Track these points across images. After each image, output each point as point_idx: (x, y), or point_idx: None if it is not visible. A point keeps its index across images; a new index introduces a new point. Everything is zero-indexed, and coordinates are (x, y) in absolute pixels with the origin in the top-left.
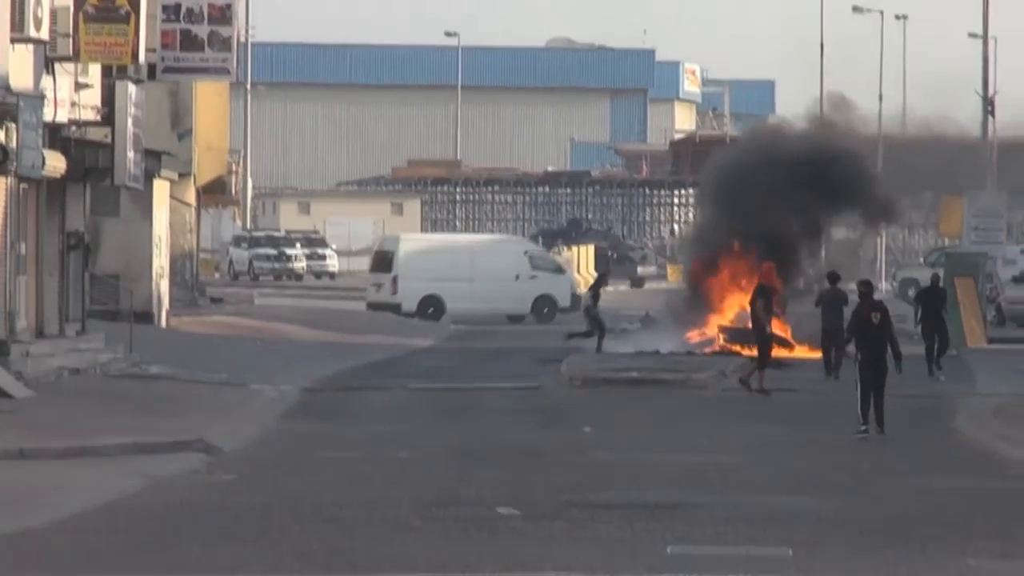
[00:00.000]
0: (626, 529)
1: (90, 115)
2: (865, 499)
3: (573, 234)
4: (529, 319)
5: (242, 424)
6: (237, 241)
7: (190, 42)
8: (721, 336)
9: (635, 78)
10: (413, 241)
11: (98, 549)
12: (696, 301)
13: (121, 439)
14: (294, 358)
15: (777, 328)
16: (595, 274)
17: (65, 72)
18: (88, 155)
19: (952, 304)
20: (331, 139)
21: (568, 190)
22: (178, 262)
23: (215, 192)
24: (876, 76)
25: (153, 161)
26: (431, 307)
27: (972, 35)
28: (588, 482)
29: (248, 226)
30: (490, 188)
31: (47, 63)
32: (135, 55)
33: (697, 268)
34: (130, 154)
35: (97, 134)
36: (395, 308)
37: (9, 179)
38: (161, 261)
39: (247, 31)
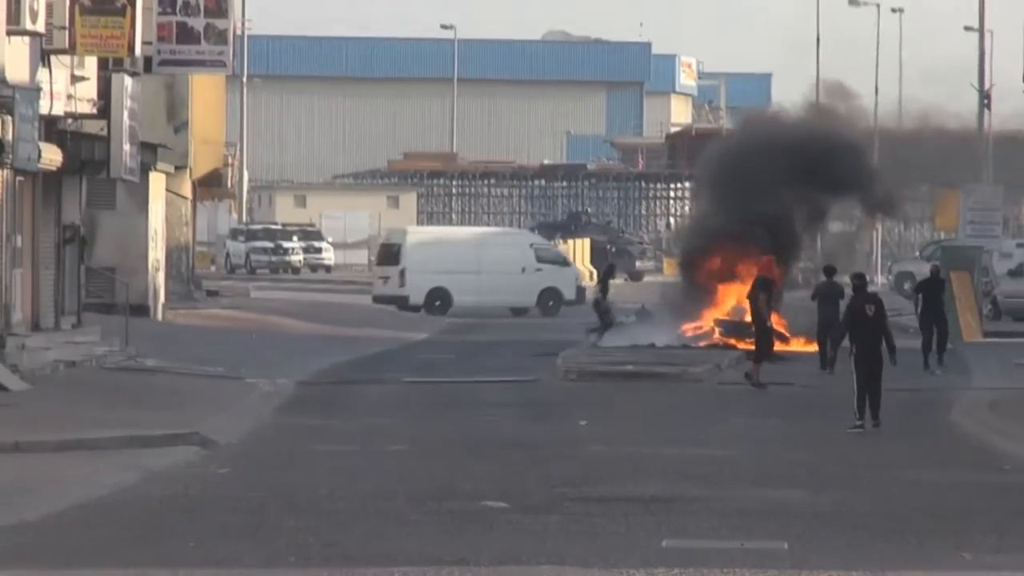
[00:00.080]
0: (621, 522)
1: (86, 108)
2: (861, 493)
3: (573, 227)
4: (534, 312)
5: (238, 417)
6: (234, 234)
7: (186, 35)
8: (717, 329)
9: (631, 71)
10: (420, 234)
11: (94, 542)
12: (691, 294)
13: (117, 432)
14: (290, 351)
15: (775, 322)
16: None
17: (61, 65)
18: (84, 148)
19: (948, 298)
20: (327, 132)
21: (564, 183)
22: (174, 255)
23: (211, 185)
24: (872, 70)
25: (149, 154)
26: (438, 300)
27: (968, 28)
28: (583, 475)
29: (244, 219)
30: (486, 181)
31: (43, 56)
32: (131, 48)
33: (692, 260)
34: (126, 147)
35: (93, 127)
36: (403, 301)
37: (5, 172)
38: (157, 254)
39: (243, 24)
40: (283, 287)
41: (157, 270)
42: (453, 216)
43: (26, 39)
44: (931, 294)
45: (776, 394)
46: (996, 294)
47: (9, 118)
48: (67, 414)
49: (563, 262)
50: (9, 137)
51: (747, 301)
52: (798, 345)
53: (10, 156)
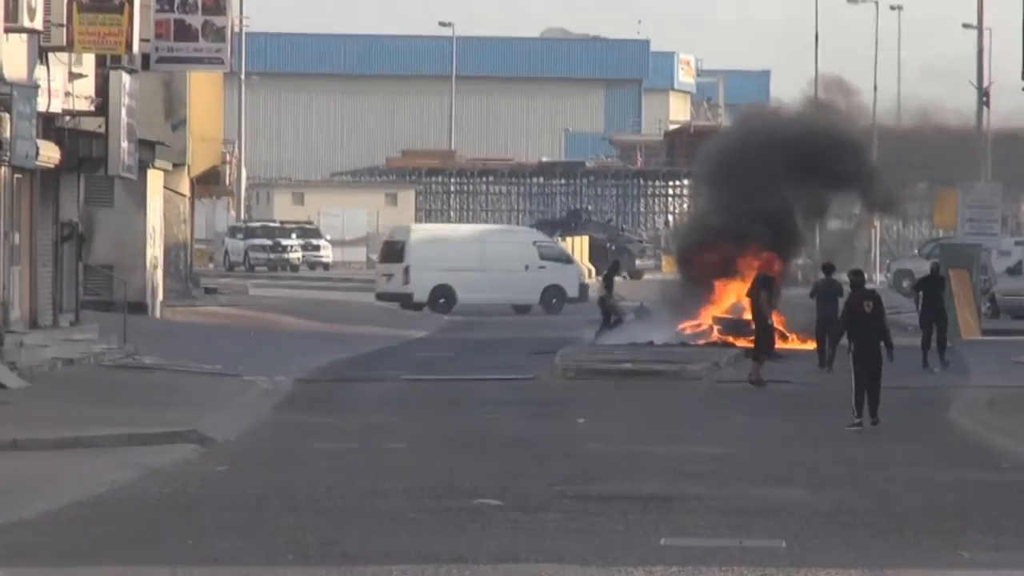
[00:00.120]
0: (619, 521)
1: (84, 105)
2: (859, 491)
3: (572, 225)
4: (537, 309)
5: (236, 415)
6: (232, 232)
7: (184, 32)
8: (715, 327)
9: (630, 68)
10: (423, 231)
11: (92, 540)
12: (690, 291)
13: (115, 430)
14: (288, 349)
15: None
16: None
17: (59, 62)
18: (82, 145)
19: (947, 295)
20: (325, 129)
21: (562, 181)
22: (172, 252)
23: (209, 182)
24: (871, 67)
25: (147, 151)
26: (442, 297)
27: (967, 26)
28: (582, 473)
29: (242, 217)
30: (484, 179)
31: (41, 53)
32: (129, 45)
33: (690, 257)
34: (124, 144)
35: (91, 124)
36: (406, 298)
37: (3, 169)
38: (155, 251)
39: (241, 21)
40: (281, 285)
41: (155, 268)
42: (451, 214)
43: (24, 36)
44: (931, 291)
45: (775, 392)
46: (994, 292)
47: (7, 115)
48: (65, 412)
49: (566, 259)
50: (7, 134)
51: (746, 299)
52: (796, 343)
53: (8, 153)
